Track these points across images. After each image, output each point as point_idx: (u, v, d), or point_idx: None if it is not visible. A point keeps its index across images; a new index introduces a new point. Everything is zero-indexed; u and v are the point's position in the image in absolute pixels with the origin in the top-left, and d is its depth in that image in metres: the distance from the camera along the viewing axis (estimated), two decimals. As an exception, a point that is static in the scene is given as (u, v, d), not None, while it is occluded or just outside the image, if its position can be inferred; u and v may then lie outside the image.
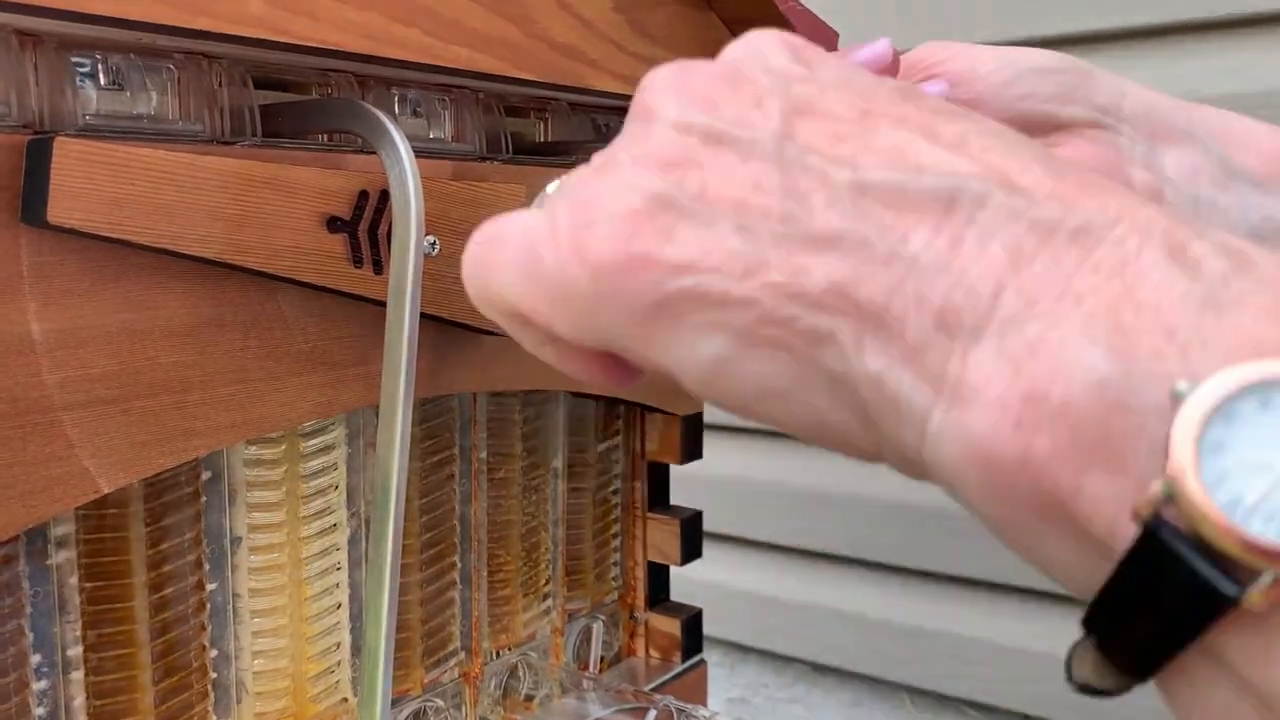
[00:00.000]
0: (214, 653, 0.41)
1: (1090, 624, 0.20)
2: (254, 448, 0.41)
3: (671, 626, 0.62)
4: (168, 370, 0.35)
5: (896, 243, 0.21)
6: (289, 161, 0.37)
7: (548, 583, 0.57)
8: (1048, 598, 1.07)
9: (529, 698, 0.55)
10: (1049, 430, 0.19)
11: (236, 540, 0.41)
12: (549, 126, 0.52)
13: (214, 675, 0.41)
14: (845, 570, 1.21)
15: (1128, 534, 0.18)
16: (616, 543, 0.61)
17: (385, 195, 0.39)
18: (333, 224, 0.38)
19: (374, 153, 0.38)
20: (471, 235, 0.27)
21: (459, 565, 0.51)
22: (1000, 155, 0.22)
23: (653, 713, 0.51)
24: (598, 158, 0.26)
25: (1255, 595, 0.17)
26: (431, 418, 0.49)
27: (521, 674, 0.55)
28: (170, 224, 0.34)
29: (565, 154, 0.51)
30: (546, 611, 0.57)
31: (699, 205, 0.23)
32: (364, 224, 0.39)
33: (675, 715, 0.50)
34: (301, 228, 0.37)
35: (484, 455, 0.52)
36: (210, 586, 0.41)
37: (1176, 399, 0.18)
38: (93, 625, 0.37)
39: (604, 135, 0.53)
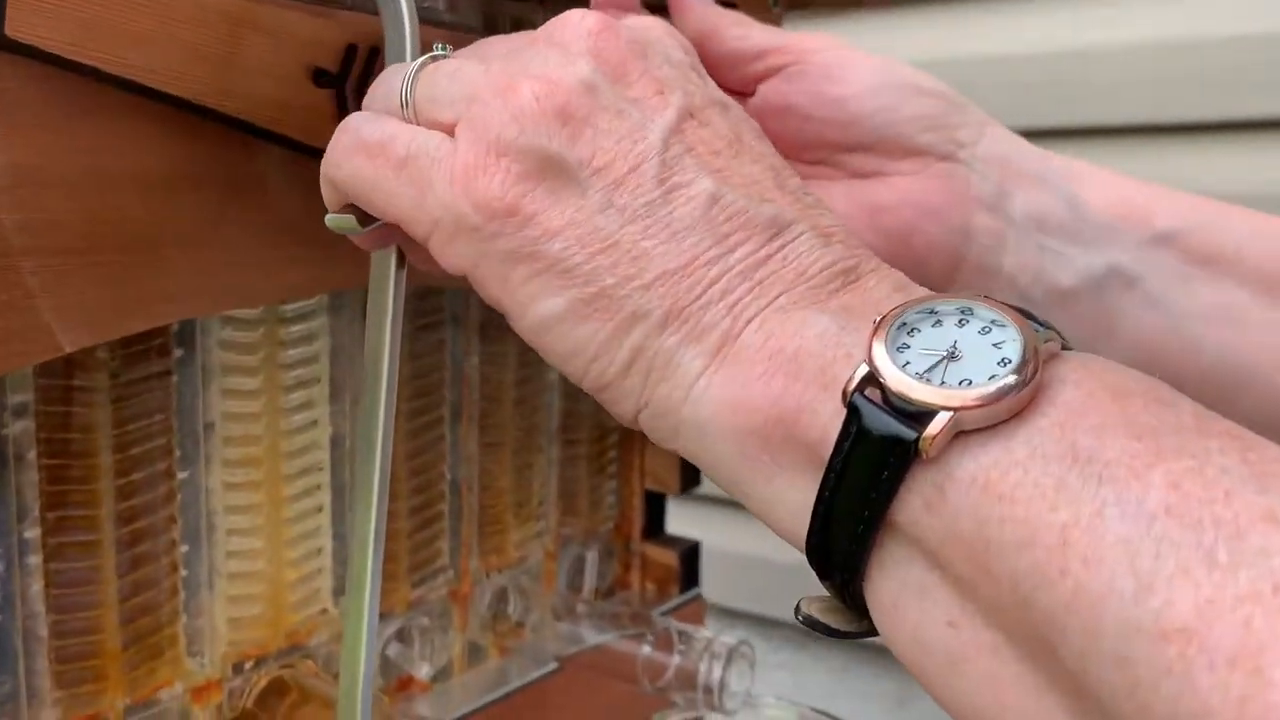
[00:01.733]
0: (184, 548, 0.38)
1: (809, 552, 0.25)
2: (230, 329, 0.38)
3: (668, 558, 0.60)
4: (140, 224, 0.32)
5: (725, 250, 0.27)
6: (274, 5, 0.34)
7: (540, 503, 0.54)
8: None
9: (519, 624, 0.52)
10: (784, 371, 0.25)
11: (210, 427, 0.38)
12: (549, 16, 0.49)
13: (184, 572, 0.38)
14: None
15: (835, 432, 0.24)
16: (613, 469, 0.59)
17: (375, 52, 0.36)
18: (319, 77, 0.35)
19: (362, 9, 0.35)
20: (344, 123, 0.31)
21: (448, 477, 0.48)
22: (817, 211, 0.29)
23: (650, 637, 0.48)
24: (498, 67, 0.29)
25: (927, 439, 0.22)
26: (417, 315, 0.46)
27: (512, 598, 0.52)
28: (144, 56, 0.31)
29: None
30: (539, 534, 0.54)
31: (584, 172, 0.27)
32: (352, 80, 0.36)
33: (675, 638, 0.48)
34: (287, 77, 0.34)
35: (475, 361, 0.49)
36: (181, 475, 0.38)
37: (873, 324, 0.24)
38: (51, 507, 0.34)
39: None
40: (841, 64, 0.41)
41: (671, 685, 0.47)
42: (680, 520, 0.63)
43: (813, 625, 0.26)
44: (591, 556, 0.57)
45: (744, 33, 0.42)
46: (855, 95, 0.41)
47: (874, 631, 0.25)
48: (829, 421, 0.24)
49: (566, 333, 0.28)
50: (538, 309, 0.28)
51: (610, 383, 0.28)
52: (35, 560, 0.34)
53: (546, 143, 0.27)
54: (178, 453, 0.37)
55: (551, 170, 0.27)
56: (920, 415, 0.22)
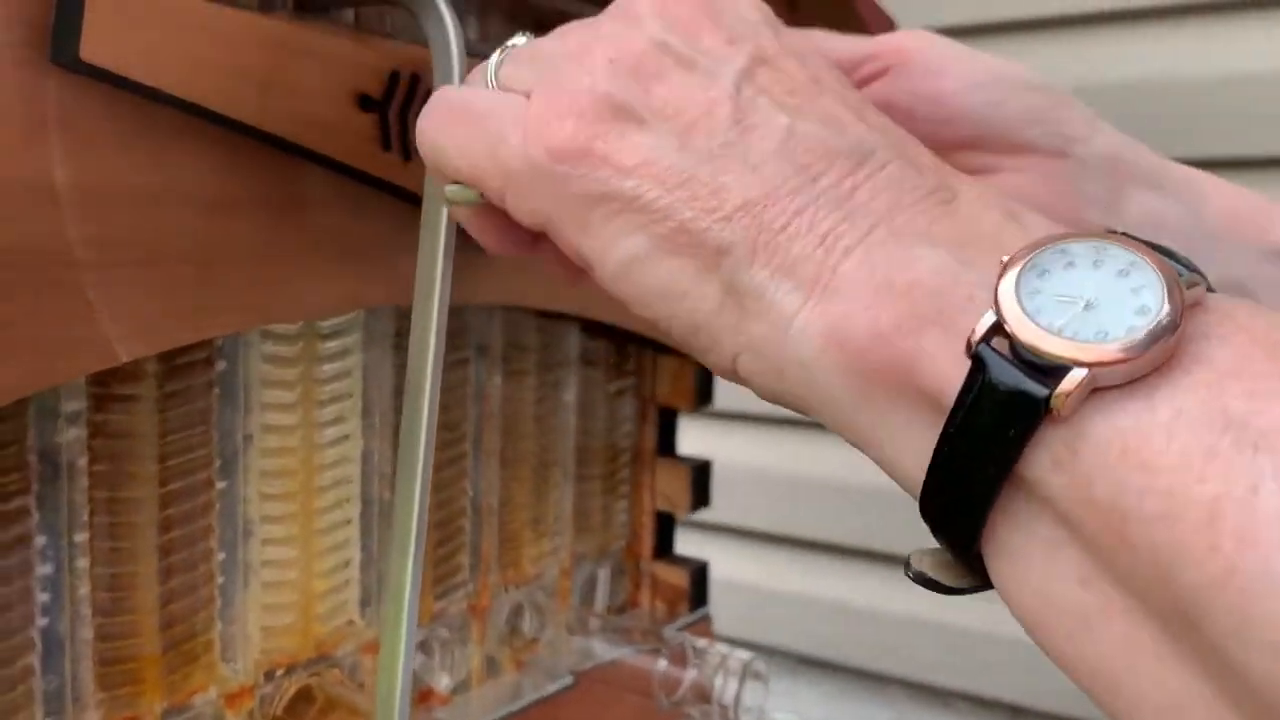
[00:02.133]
0: (221, 555, 0.39)
1: (925, 504, 0.23)
2: (270, 343, 0.40)
3: (679, 578, 0.61)
4: (192, 240, 0.34)
5: (807, 180, 0.26)
6: (321, 32, 0.36)
7: (556, 519, 0.55)
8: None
9: (534, 639, 0.53)
10: (892, 306, 0.23)
11: (248, 439, 0.40)
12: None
13: (220, 579, 0.39)
14: (832, 559, 1.20)
15: (958, 382, 0.22)
16: (625, 489, 0.60)
17: (415, 79, 0.38)
18: (364, 102, 0.37)
19: (405, 36, 0.37)
20: (433, 98, 0.31)
21: (470, 494, 0.49)
22: (903, 140, 0.28)
23: (665, 652, 0.49)
24: (573, 39, 0.29)
25: (1060, 397, 0.21)
26: (450, 333, 0.47)
27: (528, 613, 0.53)
28: (202, 79, 0.32)
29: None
30: (554, 551, 0.55)
31: (656, 119, 0.27)
32: (395, 105, 0.38)
33: (689, 653, 0.49)
34: (333, 101, 0.36)
35: (498, 381, 0.50)
36: (220, 485, 0.39)
37: (1000, 266, 0.23)
38: (99, 513, 0.35)
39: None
40: (943, 59, 0.41)
41: (686, 700, 0.48)
42: (686, 545, 0.64)
43: (924, 582, 0.25)
44: (603, 574, 0.59)
45: (841, 42, 0.41)
46: (958, 90, 0.40)
47: (988, 586, 0.24)
48: (950, 370, 0.22)
49: (650, 271, 0.27)
50: (618, 250, 0.27)
51: (702, 323, 0.27)
52: (84, 564, 0.35)
53: (619, 93, 0.27)
54: (217, 463, 0.38)
55: (623, 116, 0.27)
56: (1052, 370, 0.21)
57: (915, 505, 0.24)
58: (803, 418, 0.28)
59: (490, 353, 0.50)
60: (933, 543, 0.25)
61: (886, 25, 0.57)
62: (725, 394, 0.61)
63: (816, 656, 1.24)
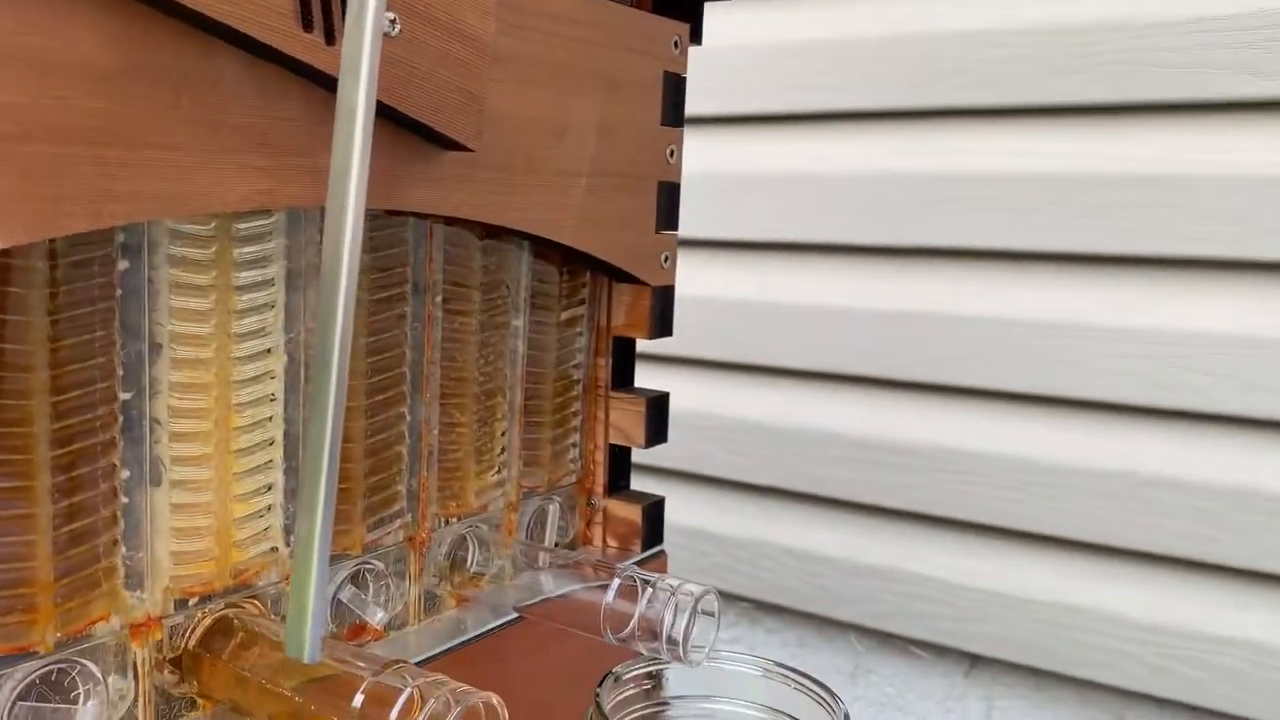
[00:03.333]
0: (125, 474, 0.36)
1: None
2: (180, 244, 0.36)
3: (632, 513, 0.58)
4: (84, 116, 0.30)
5: None
6: (232, -109, 0.32)
7: (503, 451, 0.52)
8: (998, 533, 1.05)
9: (478, 573, 0.50)
10: None
11: (156, 348, 0.36)
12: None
13: (124, 500, 0.36)
14: (792, 506, 1.18)
15: None
16: (576, 422, 0.57)
17: (343, -47, 0.34)
18: (281, -27, 0.33)
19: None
20: None
21: (408, 418, 0.46)
22: None
23: (616, 582, 0.47)
24: None
25: None
26: (382, 246, 0.44)
27: (471, 547, 0.50)
28: (88, -71, 0.28)
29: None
30: (500, 484, 0.52)
31: None
32: (317, -20, 0.34)
33: (640, 587, 0.46)
34: (245, -31, 0.32)
35: (439, 299, 0.47)
36: (124, 396, 0.35)
37: None
38: (-18, 422, 0.32)
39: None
40: None
41: (634, 636, 0.46)
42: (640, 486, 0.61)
43: None
44: (553, 509, 0.56)
45: None
46: None
47: None
48: None
49: None
50: None
51: None
52: (-38, 477, 0.31)
53: None
54: (120, 373, 0.35)
55: None
56: None
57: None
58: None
59: (429, 274, 0.46)
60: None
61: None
62: (679, 339, 0.58)
63: (775, 603, 1.22)
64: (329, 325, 0.31)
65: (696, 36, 0.57)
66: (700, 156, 1.14)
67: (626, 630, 0.45)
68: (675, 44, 0.54)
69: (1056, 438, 0.99)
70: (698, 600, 0.45)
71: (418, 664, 0.43)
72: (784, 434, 1.17)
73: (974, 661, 1.12)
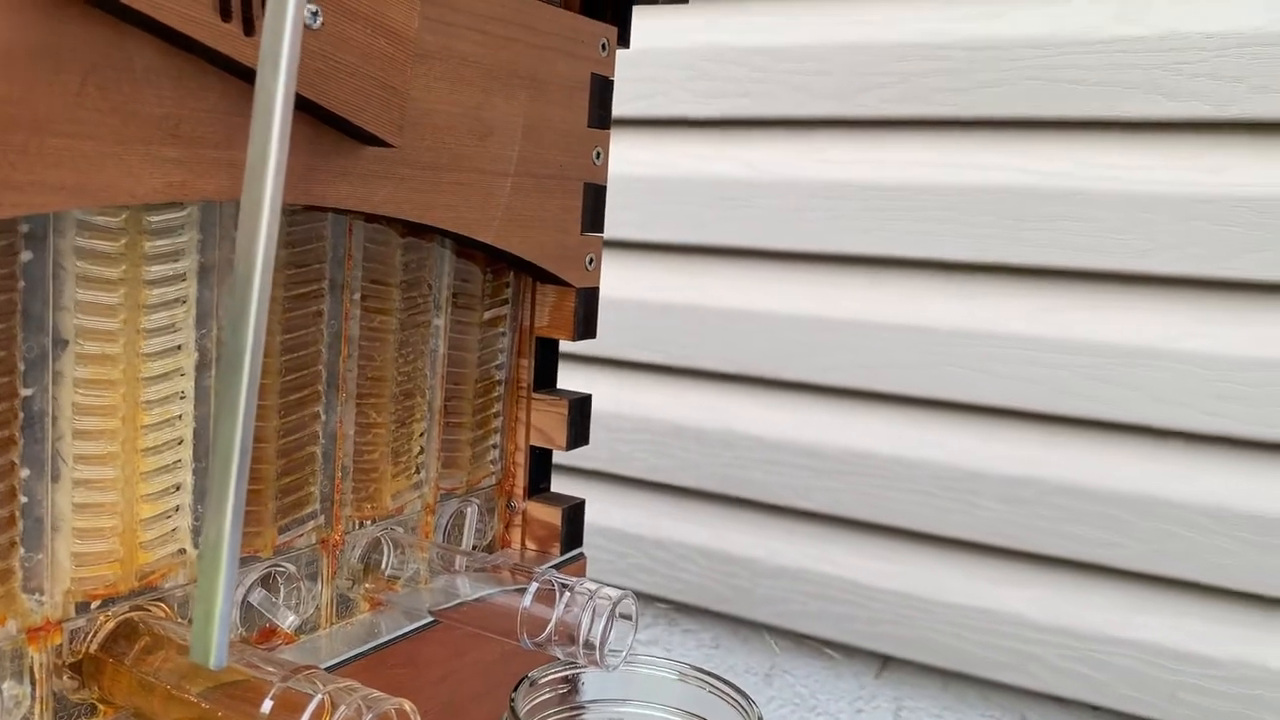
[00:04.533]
0: (25, 472, 0.34)
1: None
2: (87, 236, 0.35)
3: (551, 516, 0.58)
4: (-17, 101, 0.29)
5: None
6: (149, -126, 0.31)
7: (421, 452, 0.51)
8: (910, 536, 1.07)
9: (393, 577, 0.49)
10: None
11: (61, 343, 0.35)
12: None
13: (23, 499, 0.35)
14: (707, 507, 1.19)
15: None
16: (498, 423, 0.57)
17: (264, -58, 0.34)
18: (199, -40, 0.32)
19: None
20: None
21: (322, 418, 0.45)
22: None
23: (534, 586, 0.46)
24: None
25: None
26: (300, 242, 0.43)
27: (385, 549, 0.49)
28: (-6, -93, 0.27)
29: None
30: (418, 485, 0.51)
31: None
32: (237, -31, 0.33)
33: (558, 591, 0.46)
34: (161, -45, 0.31)
35: (357, 296, 0.46)
36: (25, 392, 0.34)
37: None
38: None
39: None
40: None
41: (551, 640, 0.46)
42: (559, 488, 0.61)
43: None
44: (471, 512, 0.55)
45: None
46: None
47: None
48: None
49: None
50: None
51: None
52: None
53: None
54: (21, 367, 0.34)
55: None
56: None
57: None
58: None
59: (348, 272, 0.46)
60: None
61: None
62: (597, 339, 0.58)
63: (692, 604, 1.23)
64: (242, 321, 0.30)
65: (625, 39, 0.57)
66: (626, 159, 1.14)
67: (544, 635, 0.45)
68: (603, 46, 0.54)
69: (968, 444, 1.01)
70: (615, 604, 0.45)
71: (329, 669, 0.42)
72: (701, 435, 1.17)
73: (885, 662, 1.14)
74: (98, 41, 0.31)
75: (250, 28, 0.34)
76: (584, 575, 0.59)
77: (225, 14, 0.33)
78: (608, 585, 0.45)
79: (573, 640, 0.45)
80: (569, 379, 0.59)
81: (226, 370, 0.30)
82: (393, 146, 0.40)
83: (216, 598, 0.30)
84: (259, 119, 0.31)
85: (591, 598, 0.45)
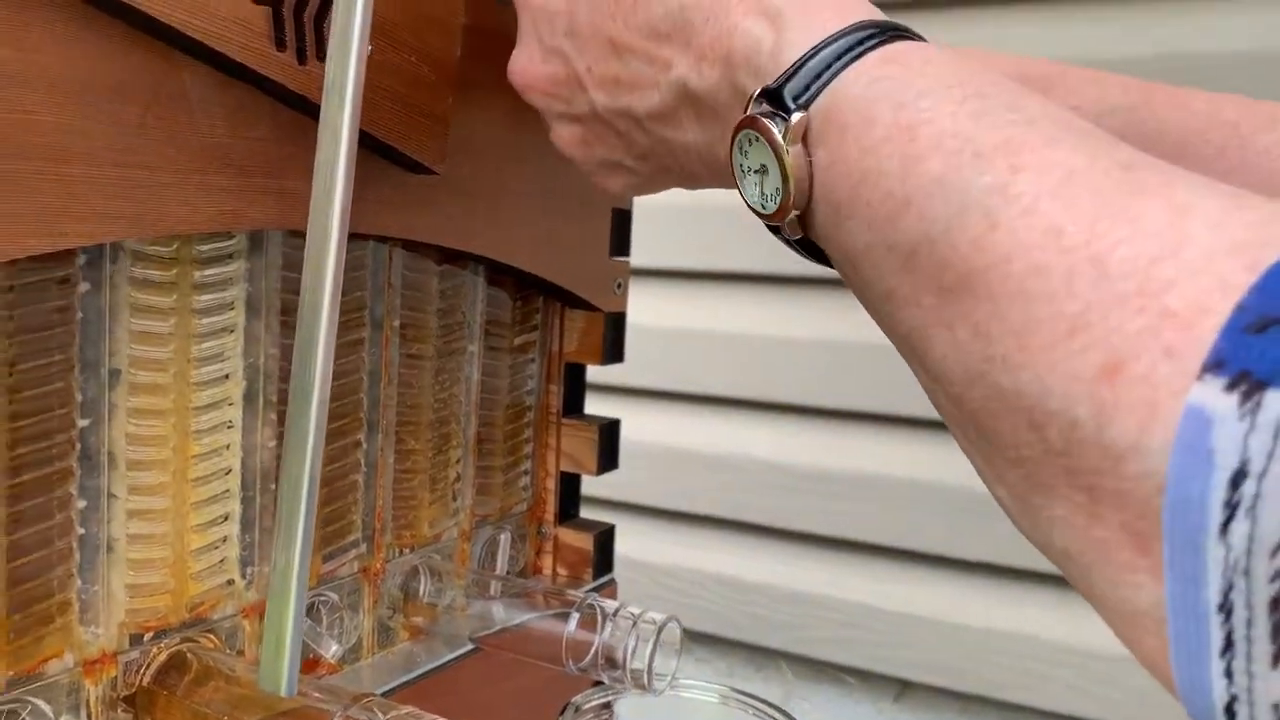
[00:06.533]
0: (82, 504, 0.34)
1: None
2: (141, 266, 0.35)
3: (583, 542, 0.58)
4: (46, 132, 0.29)
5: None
6: (207, -93, 0.31)
7: (457, 480, 0.51)
8: (926, 559, 1.07)
9: (431, 604, 0.49)
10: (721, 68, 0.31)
11: (115, 374, 0.35)
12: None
13: (80, 531, 0.34)
14: (720, 533, 1.19)
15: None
16: (529, 449, 0.57)
17: (316, -27, 0.34)
18: (256, -9, 0.33)
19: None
20: None
21: (363, 446, 0.45)
22: None
23: (575, 616, 0.46)
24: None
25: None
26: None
27: (423, 577, 0.49)
28: (63, -59, 0.28)
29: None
30: (454, 513, 0.51)
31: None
32: (290, 0, 0.34)
33: (601, 616, 0.46)
34: (220, -14, 0.31)
35: (396, 324, 0.46)
36: (82, 424, 0.34)
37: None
38: (-67, 450, 0.30)
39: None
40: None
41: (594, 665, 0.45)
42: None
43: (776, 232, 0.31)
44: (505, 538, 0.55)
45: None
46: None
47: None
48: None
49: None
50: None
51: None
52: (-88, 508, 0.30)
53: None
54: (78, 398, 0.34)
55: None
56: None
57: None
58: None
59: (388, 301, 0.46)
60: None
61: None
62: (609, 367, 0.58)
63: (705, 633, 1.22)
64: (309, 354, 0.30)
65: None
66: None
67: (587, 659, 0.45)
68: (629, 73, 0.55)
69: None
70: (660, 628, 0.45)
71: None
72: (712, 461, 1.17)
73: (903, 687, 1.13)
74: (157, 73, 0.32)
75: (303, 57, 0.34)
76: (616, 600, 0.58)
77: (280, 44, 0.34)
78: (650, 610, 0.45)
79: (617, 665, 0.44)
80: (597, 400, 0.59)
81: (296, 402, 0.30)
82: (437, 174, 0.40)
83: (287, 626, 0.29)
84: (324, 151, 0.31)
85: (636, 622, 0.45)
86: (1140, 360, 0.20)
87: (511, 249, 0.48)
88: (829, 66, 0.28)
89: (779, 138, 0.29)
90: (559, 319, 0.57)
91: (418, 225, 0.43)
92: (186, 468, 0.38)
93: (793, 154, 0.29)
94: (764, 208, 0.31)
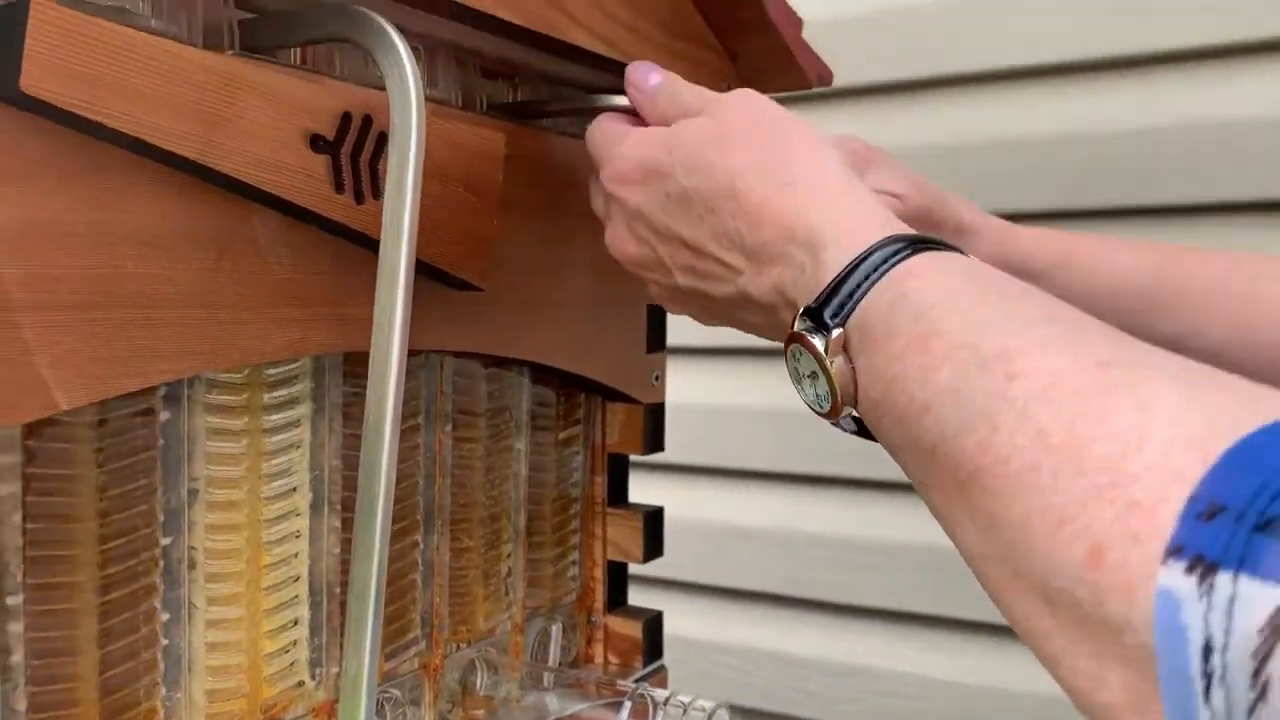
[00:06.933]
0: (165, 617, 0.37)
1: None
2: (216, 392, 0.38)
3: (632, 629, 0.59)
4: (137, 282, 0.32)
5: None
6: (270, 70, 0.35)
7: (509, 573, 0.53)
8: (981, 629, 1.07)
9: (488, 696, 0.51)
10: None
11: (194, 494, 0.38)
12: (518, 94, 0.50)
13: (164, 643, 0.37)
14: (773, 609, 1.19)
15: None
16: (576, 540, 0.59)
17: (368, 121, 0.37)
18: (316, 143, 0.36)
19: (349, 79, 0.36)
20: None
21: (421, 545, 0.48)
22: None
23: (628, 705, 0.48)
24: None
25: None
26: (397, 383, 0.46)
27: (480, 670, 0.51)
28: (147, 113, 0.31)
29: (535, 116, 0.49)
30: (507, 606, 0.53)
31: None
32: (347, 147, 0.37)
33: (651, 705, 0.48)
34: (284, 140, 0.35)
35: (449, 428, 0.49)
36: (164, 542, 0.37)
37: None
38: (34, 574, 0.33)
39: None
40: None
41: (648, 753, 0.47)
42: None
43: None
44: (556, 629, 0.57)
45: None
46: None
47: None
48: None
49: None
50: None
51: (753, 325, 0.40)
52: (17, 629, 0.32)
53: None
54: (161, 518, 0.37)
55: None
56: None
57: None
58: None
59: (440, 405, 0.48)
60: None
61: (824, 75, 0.58)
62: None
63: (762, 710, 1.22)
64: (374, 470, 0.33)
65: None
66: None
67: (641, 747, 0.46)
68: (659, 178, 0.58)
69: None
70: (710, 716, 0.46)
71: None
72: (762, 536, 1.18)
73: (961, 759, 1.12)
74: (229, 220, 0.35)
75: (360, 197, 0.38)
76: (665, 687, 0.60)
77: (339, 187, 0.37)
78: (700, 698, 0.47)
79: (670, 751, 0.46)
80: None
81: (362, 515, 0.32)
82: (482, 290, 0.43)
83: (359, 732, 0.32)
84: (384, 284, 0.33)
85: (686, 710, 0.46)
86: (1116, 547, 0.23)
87: (553, 351, 0.51)
88: (859, 286, 0.32)
89: (821, 351, 0.33)
90: (601, 412, 0.59)
91: (466, 337, 0.45)
92: (259, 577, 0.40)
93: (836, 364, 0.33)
94: (820, 407, 0.34)
